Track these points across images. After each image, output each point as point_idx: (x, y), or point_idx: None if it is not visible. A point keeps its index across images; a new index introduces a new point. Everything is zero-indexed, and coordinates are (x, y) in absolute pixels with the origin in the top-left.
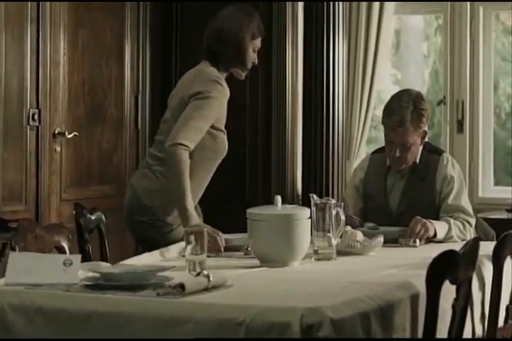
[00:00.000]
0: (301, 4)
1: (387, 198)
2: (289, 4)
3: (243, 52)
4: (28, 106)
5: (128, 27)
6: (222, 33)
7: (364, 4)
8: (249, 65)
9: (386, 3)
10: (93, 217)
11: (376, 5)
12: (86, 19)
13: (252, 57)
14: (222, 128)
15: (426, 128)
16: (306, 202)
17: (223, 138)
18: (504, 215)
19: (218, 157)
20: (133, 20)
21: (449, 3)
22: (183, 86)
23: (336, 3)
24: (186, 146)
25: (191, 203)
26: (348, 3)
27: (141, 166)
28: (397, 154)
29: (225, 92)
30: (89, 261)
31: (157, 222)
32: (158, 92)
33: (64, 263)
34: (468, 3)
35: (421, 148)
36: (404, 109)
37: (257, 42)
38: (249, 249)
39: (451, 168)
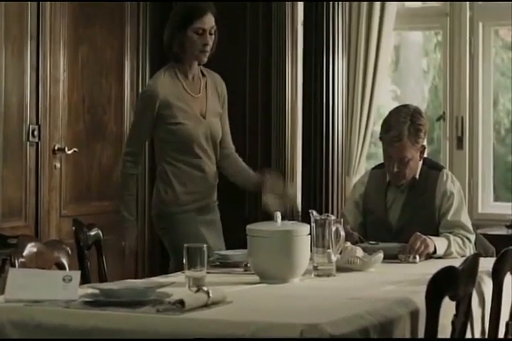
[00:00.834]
0: (300, 20)
1: (387, 213)
2: (288, 19)
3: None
4: (28, 122)
5: (128, 44)
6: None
7: (364, 20)
8: (199, 50)
9: (386, 19)
10: (91, 234)
11: (376, 21)
12: (86, 36)
13: (198, 42)
14: (180, 120)
15: (424, 143)
16: (305, 219)
17: (183, 129)
18: (504, 231)
19: (189, 146)
20: (133, 37)
21: (447, 18)
22: None
23: (336, 19)
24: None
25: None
26: (347, 19)
27: None
28: (395, 169)
29: (149, 91)
30: (89, 278)
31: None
32: None
33: (63, 280)
34: (468, 19)
35: (420, 163)
36: (401, 124)
37: (197, 24)
38: (248, 265)
39: (451, 183)
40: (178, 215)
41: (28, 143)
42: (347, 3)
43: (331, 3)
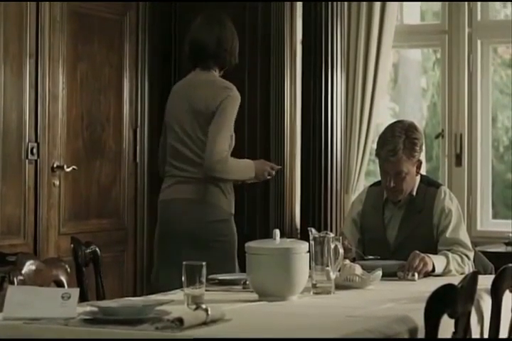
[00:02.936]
0: (299, 38)
1: (385, 231)
2: (287, 38)
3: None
4: (27, 140)
5: (127, 61)
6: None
7: (362, 38)
8: None
9: (384, 37)
10: (89, 251)
11: (374, 38)
12: (85, 53)
13: None
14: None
15: (420, 158)
16: (304, 236)
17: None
18: (503, 248)
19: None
20: (131, 54)
21: (446, 36)
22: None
23: (334, 36)
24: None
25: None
26: (346, 36)
27: None
28: (392, 184)
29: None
30: (87, 295)
31: None
32: (156, 126)
33: (62, 297)
34: (466, 36)
35: (418, 178)
36: (396, 138)
37: None
38: (247, 282)
39: (449, 201)
40: (231, 221)
41: (27, 160)
42: (345, 21)
43: (329, 18)
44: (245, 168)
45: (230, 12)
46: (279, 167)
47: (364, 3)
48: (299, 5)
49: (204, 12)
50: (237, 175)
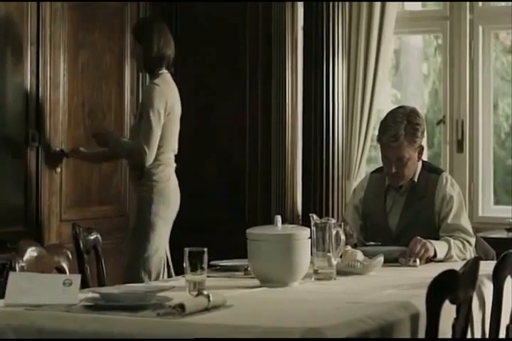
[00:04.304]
0: (300, 25)
1: (387, 217)
2: (288, 24)
3: None
4: (28, 127)
5: (127, 49)
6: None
7: (363, 24)
8: None
9: (386, 23)
10: (90, 238)
11: (376, 25)
12: (86, 41)
13: None
14: None
15: (422, 143)
16: (306, 222)
17: None
18: (504, 234)
19: None
20: (133, 42)
21: (447, 22)
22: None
23: (336, 23)
24: None
25: None
26: (347, 23)
27: None
28: (394, 170)
29: None
30: (88, 282)
31: None
32: None
33: (64, 284)
34: (468, 22)
35: (419, 164)
36: (398, 124)
37: None
38: (249, 268)
39: (451, 187)
40: None
41: (28, 147)
42: (347, 7)
43: (330, 5)
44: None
45: None
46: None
47: None
48: None
49: None
50: None
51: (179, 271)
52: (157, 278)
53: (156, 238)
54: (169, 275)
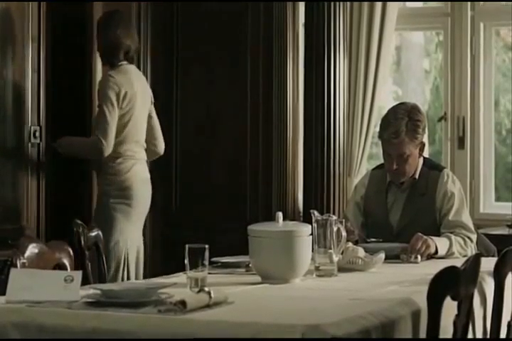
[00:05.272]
0: (301, 21)
1: (388, 214)
2: (289, 20)
3: None
4: (30, 124)
5: None
6: None
7: (365, 21)
8: None
9: (387, 20)
10: (91, 235)
11: (377, 22)
12: None
13: None
14: None
15: (423, 140)
16: (307, 219)
17: None
18: (505, 231)
19: None
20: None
21: (449, 19)
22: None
23: (337, 19)
24: None
25: None
26: (348, 19)
27: None
28: (395, 166)
29: None
30: (89, 278)
31: None
32: (159, 111)
33: (65, 280)
34: (469, 19)
35: (420, 160)
36: (399, 120)
37: None
38: (250, 265)
39: (452, 184)
40: None
41: (29, 144)
42: (348, 4)
43: (332, 3)
44: None
45: None
46: None
47: None
48: None
49: None
50: None
51: (181, 268)
52: (116, 273)
53: (114, 233)
54: (128, 274)
